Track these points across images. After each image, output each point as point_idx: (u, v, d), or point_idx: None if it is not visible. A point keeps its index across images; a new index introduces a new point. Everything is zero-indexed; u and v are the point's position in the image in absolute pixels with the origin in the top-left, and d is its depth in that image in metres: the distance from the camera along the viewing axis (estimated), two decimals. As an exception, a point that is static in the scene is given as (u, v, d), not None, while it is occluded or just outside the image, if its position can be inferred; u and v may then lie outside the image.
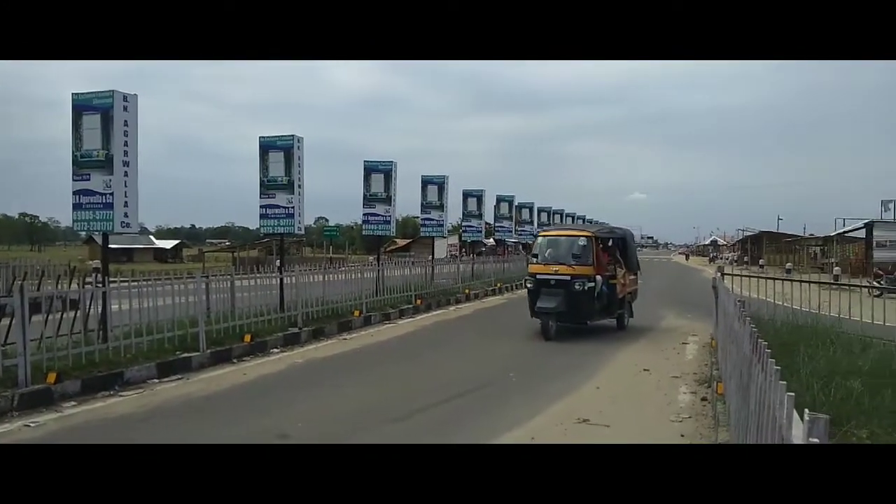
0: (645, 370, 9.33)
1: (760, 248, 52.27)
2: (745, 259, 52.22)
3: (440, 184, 19.38)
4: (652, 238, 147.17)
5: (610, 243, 13.31)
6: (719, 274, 10.92)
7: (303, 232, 14.12)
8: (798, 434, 1.84)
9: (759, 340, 3.20)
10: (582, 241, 12.04)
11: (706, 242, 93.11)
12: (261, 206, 12.39)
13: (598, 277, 11.82)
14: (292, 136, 12.16)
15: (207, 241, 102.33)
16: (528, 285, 12.28)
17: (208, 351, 9.44)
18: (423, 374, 9.06)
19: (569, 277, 11.65)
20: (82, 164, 8.76)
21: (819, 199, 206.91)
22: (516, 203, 28.33)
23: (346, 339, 11.99)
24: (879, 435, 4.59)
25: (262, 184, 12.36)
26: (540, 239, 13.29)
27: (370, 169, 16.29)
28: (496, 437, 6.14)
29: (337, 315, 13.06)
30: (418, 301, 16.14)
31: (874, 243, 33.53)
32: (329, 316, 12.88)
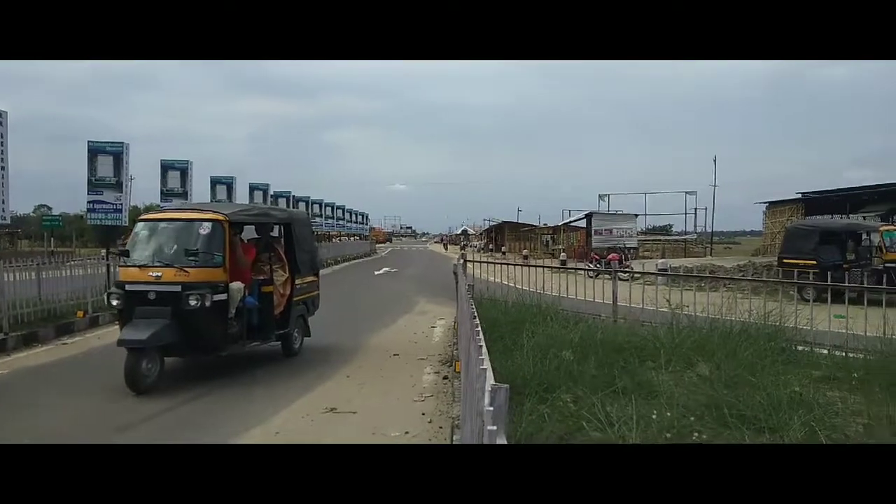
0: (395, 355, 9.63)
1: (503, 236, 57.39)
2: (490, 247, 57.03)
3: (183, 169, 17.93)
4: (411, 228, 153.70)
5: (270, 232, 9.37)
6: (462, 261, 11.65)
7: (7, 221, 12.05)
8: (487, 402, 1.95)
9: (474, 319, 3.40)
10: (205, 229, 7.74)
11: (458, 232, 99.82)
12: (-52, 191, 10.29)
13: (236, 285, 7.83)
14: (-10, 108, 10.26)
15: None
16: (114, 302, 7.67)
17: None
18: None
19: (179, 287, 7.33)
20: None
21: (553, 191, 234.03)
22: (272, 192, 27.44)
23: (66, 343, 10.50)
24: (582, 398, 5.23)
25: (-51, 164, 10.25)
26: (137, 225, 8.37)
27: (96, 150, 14.39)
28: (238, 435, 5.83)
29: (55, 317, 11.40)
30: (160, 297, 14.75)
31: (593, 231, 38.76)
32: (45, 318, 11.18)
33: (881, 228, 17.96)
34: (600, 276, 13.98)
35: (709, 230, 49.78)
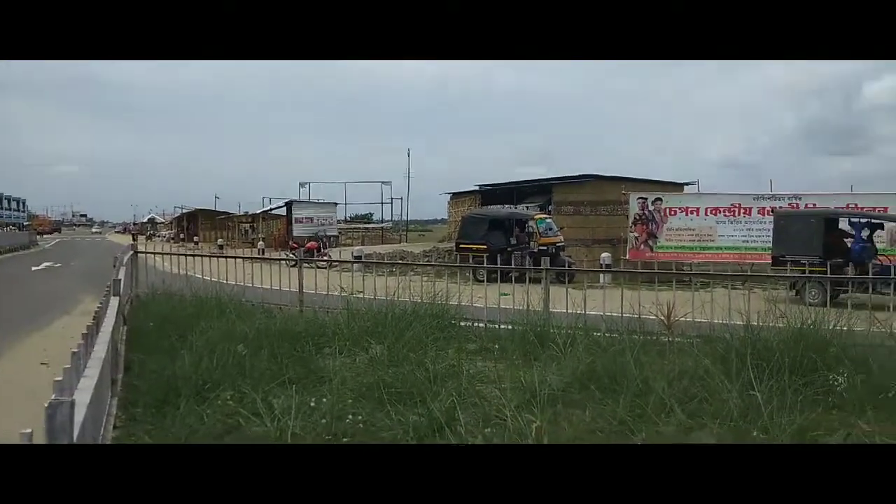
0: (43, 364, 8.23)
1: (197, 224, 53.72)
2: (182, 236, 52.96)
3: None
4: (86, 216, 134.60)
5: None
6: (132, 252, 10.44)
7: None
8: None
9: (95, 319, 2.95)
10: None
11: (145, 220, 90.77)
12: None
13: None
14: None
15: None
16: None
17: None
18: None
19: None
20: None
21: (257, 179, 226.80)
22: None
23: None
24: (245, 394, 4.99)
25: None
26: None
27: None
28: None
29: None
30: None
31: (293, 220, 38.39)
32: None
33: (535, 217, 21.04)
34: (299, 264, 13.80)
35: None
